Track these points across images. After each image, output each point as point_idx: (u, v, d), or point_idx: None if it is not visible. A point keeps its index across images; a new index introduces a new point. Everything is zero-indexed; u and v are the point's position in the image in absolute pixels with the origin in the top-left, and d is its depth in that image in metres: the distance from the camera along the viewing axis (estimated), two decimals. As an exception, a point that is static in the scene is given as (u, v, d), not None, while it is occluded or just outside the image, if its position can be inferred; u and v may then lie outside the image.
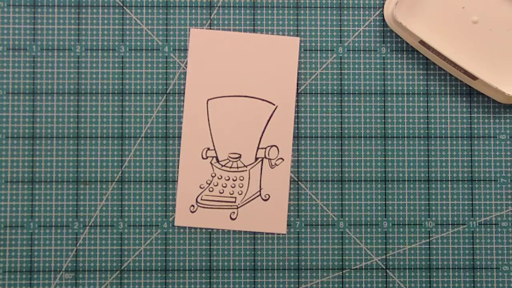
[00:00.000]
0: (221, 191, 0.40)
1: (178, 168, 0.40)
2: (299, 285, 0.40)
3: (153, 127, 0.40)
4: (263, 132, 0.39)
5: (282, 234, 0.40)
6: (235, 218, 0.40)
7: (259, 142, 0.39)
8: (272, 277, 0.40)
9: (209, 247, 0.40)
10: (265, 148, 0.40)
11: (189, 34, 0.40)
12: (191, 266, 0.40)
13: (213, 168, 0.40)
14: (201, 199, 0.40)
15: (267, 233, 0.40)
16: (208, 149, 0.39)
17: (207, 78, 0.38)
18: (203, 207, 0.40)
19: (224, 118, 0.40)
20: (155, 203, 0.40)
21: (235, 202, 0.40)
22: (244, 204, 0.40)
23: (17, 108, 0.40)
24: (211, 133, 0.39)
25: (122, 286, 0.39)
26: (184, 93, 0.40)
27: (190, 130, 0.40)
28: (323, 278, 0.40)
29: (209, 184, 0.40)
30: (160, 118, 0.40)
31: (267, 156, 0.40)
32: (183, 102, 0.40)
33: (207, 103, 0.39)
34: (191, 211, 0.40)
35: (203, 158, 0.40)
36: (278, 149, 0.40)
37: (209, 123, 0.39)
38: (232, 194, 0.40)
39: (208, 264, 0.40)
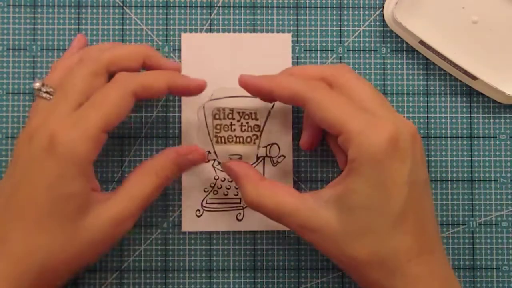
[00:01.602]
0: (226, 193, 0.40)
1: (181, 174, 0.40)
2: (299, 285, 0.40)
3: (153, 127, 0.40)
4: (261, 133, 0.39)
5: (282, 234, 0.40)
6: (241, 219, 0.40)
7: (258, 148, 0.39)
8: (272, 277, 0.40)
9: (209, 247, 0.40)
10: (266, 147, 0.40)
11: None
12: (191, 266, 0.40)
13: (215, 171, 0.40)
14: (206, 203, 0.40)
15: (267, 233, 0.40)
16: (209, 152, 0.39)
17: None
18: (209, 211, 0.40)
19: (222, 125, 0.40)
20: (155, 203, 0.40)
21: (240, 203, 0.40)
22: None
23: (17, 108, 0.40)
24: (210, 136, 0.39)
25: (122, 286, 0.39)
26: (184, 93, 0.40)
27: (190, 135, 0.40)
28: (323, 278, 0.40)
29: (213, 187, 0.40)
30: (160, 118, 0.40)
31: (268, 154, 0.40)
32: (181, 106, 0.40)
33: (203, 107, 0.39)
34: (197, 216, 0.40)
35: (204, 162, 0.40)
36: (279, 147, 0.40)
37: (207, 127, 0.39)
38: (237, 195, 0.40)
39: (208, 264, 0.40)
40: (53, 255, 0.32)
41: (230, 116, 0.38)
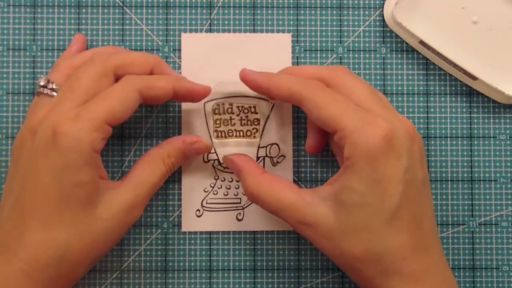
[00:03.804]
0: (226, 193, 0.40)
1: (181, 173, 0.40)
2: (299, 285, 0.40)
3: (153, 127, 0.40)
4: (262, 131, 0.39)
5: (282, 234, 0.40)
6: (241, 219, 0.40)
7: (260, 141, 0.39)
8: (272, 277, 0.40)
9: (209, 247, 0.40)
10: (266, 147, 0.40)
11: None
12: (191, 266, 0.40)
13: (215, 171, 0.40)
14: (206, 203, 0.40)
15: (267, 233, 0.40)
16: (209, 152, 0.39)
17: (202, 81, 0.38)
18: (209, 211, 0.40)
19: (222, 120, 0.40)
20: (155, 203, 0.40)
21: (240, 203, 0.40)
22: (249, 204, 0.40)
23: (17, 108, 0.40)
24: (210, 136, 0.39)
25: (122, 286, 0.39)
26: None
27: (190, 133, 0.40)
28: (323, 278, 0.40)
29: (213, 187, 0.40)
30: (160, 118, 0.40)
31: (268, 154, 0.40)
32: (181, 105, 0.40)
33: (204, 106, 0.39)
34: (197, 216, 0.40)
35: (204, 161, 0.40)
36: (279, 147, 0.40)
37: (207, 126, 0.39)
38: (237, 195, 0.40)
39: (208, 264, 0.40)
40: (70, 246, 0.32)
41: (229, 110, 0.38)
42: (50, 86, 0.35)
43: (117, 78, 0.35)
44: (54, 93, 0.35)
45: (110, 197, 0.34)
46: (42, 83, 0.35)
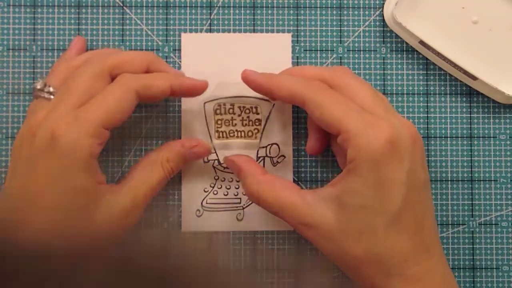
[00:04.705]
0: (226, 193, 0.40)
1: (181, 173, 0.40)
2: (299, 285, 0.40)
3: (153, 127, 0.40)
4: (262, 131, 0.39)
5: (282, 234, 0.40)
6: (241, 219, 0.40)
7: (260, 141, 0.39)
8: (272, 277, 0.40)
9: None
10: (266, 147, 0.40)
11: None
12: (191, 266, 0.40)
13: (215, 171, 0.40)
14: (206, 203, 0.40)
15: (267, 233, 0.40)
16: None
17: None
18: (209, 211, 0.40)
19: (223, 120, 0.40)
20: (155, 203, 0.40)
21: (240, 203, 0.40)
22: (249, 204, 0.40)
23: (17, 108, 0.40)
24: (210, 136, 0.39)
25: (122, 286, 0.39)
26: (184, 93, 0.40)
27: (189, 134, 0.40)
28: (323, 278, 0.40)
29: (213, 187, 0.40)
30: (160, 118, 0.40)
31: (268, 154, 0.40)
32: (181, 105, 0.40)
33: (204, 106, 0.39)
34: (197, 216, 0.40)
35: (204, 162, 0.40)
36: (279, 147, 0.40)
37: (207, 126, 0.39)
38: (237, 195, 0.40)
39: (208, 264, 0.40)
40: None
41: (231, 111, 0.38)
42: (46, 89, 0.35)
43: (113, 78, 0.35)
44: (51, 96, 0.35)
45: (108, 201, 0.34)
46: (38, 87, 0.36)
